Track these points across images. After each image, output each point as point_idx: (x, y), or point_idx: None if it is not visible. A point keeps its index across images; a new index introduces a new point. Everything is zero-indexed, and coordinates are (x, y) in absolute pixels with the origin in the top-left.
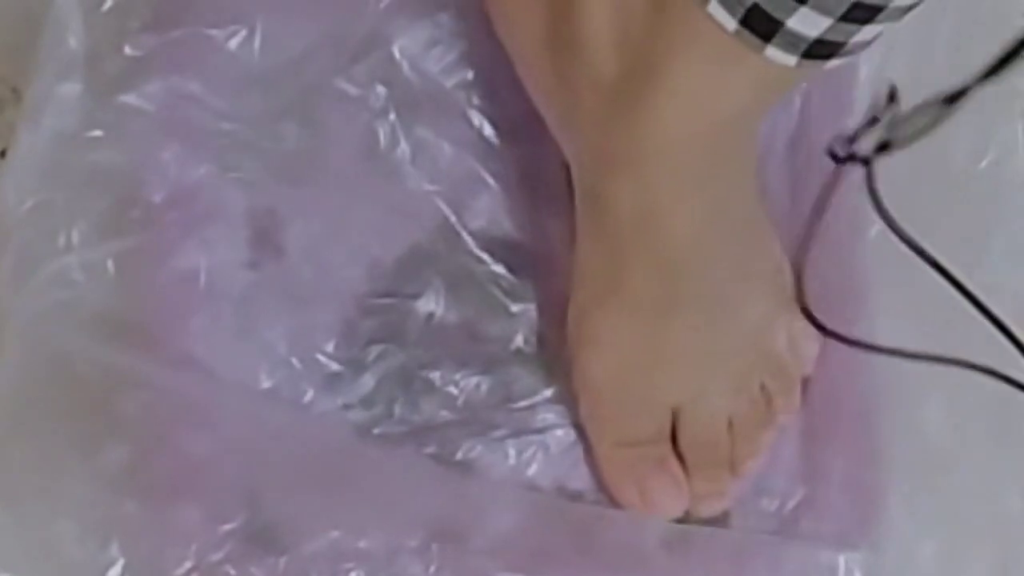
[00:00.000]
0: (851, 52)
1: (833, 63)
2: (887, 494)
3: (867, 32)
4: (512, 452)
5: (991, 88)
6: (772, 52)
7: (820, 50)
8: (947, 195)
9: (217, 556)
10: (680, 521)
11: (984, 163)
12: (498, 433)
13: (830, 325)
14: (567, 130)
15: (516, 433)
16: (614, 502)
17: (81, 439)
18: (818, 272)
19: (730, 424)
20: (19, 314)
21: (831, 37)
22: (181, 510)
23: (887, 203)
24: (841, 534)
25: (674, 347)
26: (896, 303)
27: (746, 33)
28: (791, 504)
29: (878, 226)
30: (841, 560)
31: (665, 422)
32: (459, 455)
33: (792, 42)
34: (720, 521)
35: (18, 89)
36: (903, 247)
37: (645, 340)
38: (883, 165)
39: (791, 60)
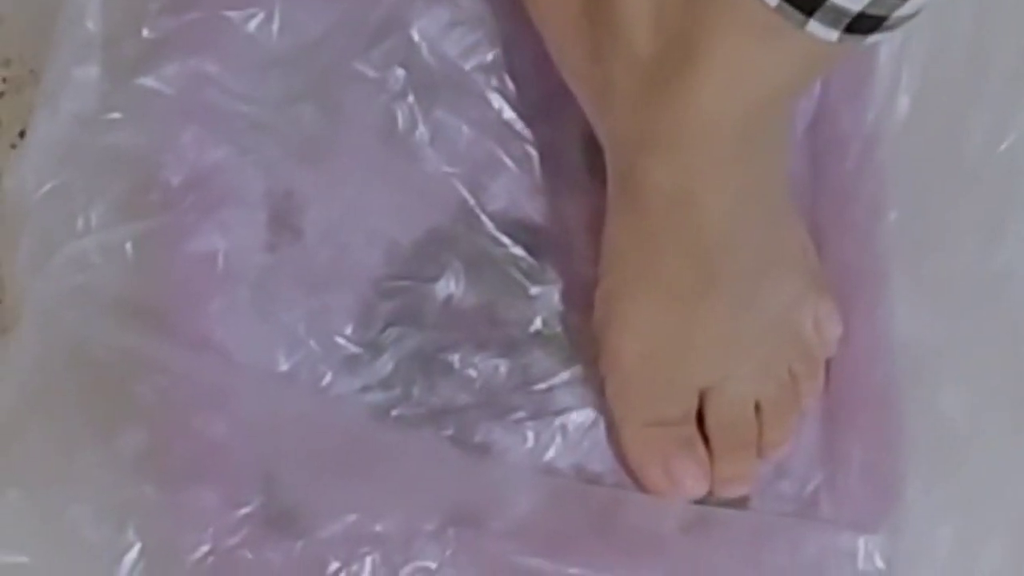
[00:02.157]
0: (893, 27)
1: (874, 38)
2: (906, 479)
3: (910, 5)
4: (530, 435)
5: (1009, 74)
6: (814, 27)
7: (863, 24)
8: (964, 179)
9: (234, 540)
10: (700, 503)
11: (1002, 147)
12: (516, 416)
13: (849, 310)
14: (601, 110)
15: (534, 416)
16: (637, 482)
17: (98, 422)
18: (838, 256)
19: (758, 408)
20: (37, 297)
21: (874, 11)
22: (198, 494)
23: (904, 187)
24: (860, 517)
25: (705, 329)
26: (915, 288)
27: (788, 8)
28: (810, 487)
29: (897, 210)
30: (860, 543)
31: (692, 403)
32: (477, 438)
33: (834, 17)
34: (739, 503)
35: (36, 71)
36: (922, 231)
37: (676, 322)
38: (901, 148)
39: (833, 35)
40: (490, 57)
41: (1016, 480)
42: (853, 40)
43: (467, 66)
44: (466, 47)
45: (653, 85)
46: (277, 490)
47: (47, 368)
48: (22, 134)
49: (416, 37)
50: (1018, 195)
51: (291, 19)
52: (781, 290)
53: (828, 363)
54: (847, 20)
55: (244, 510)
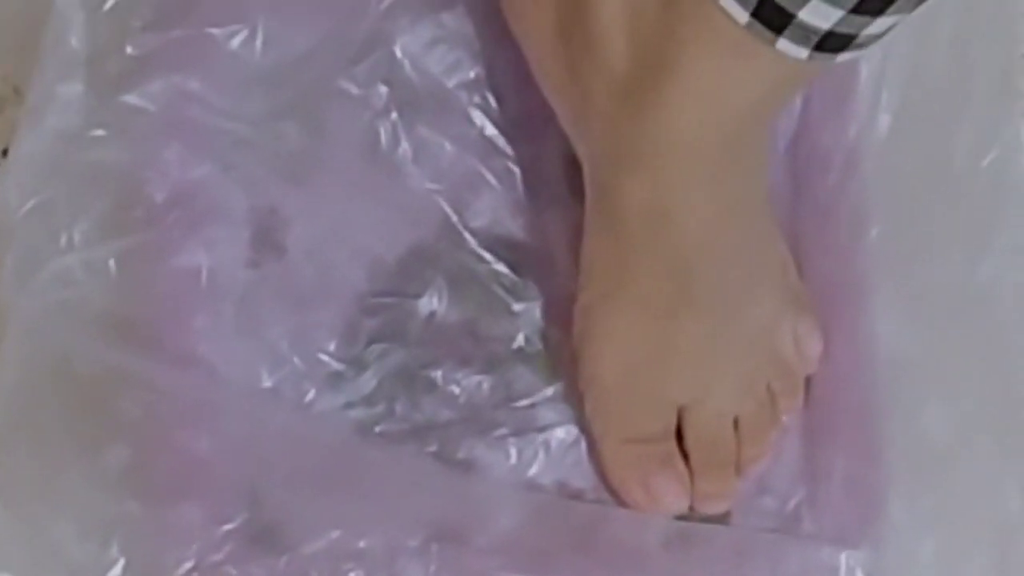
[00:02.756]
0: (862, 45)
1: (844, 56)
2: (888, 493)
3: (879, 24)
4: (513, 451)
5: (994, 88)
6: (784, 45)
7: (832, 43)
8: (946, 194)
9: (218, 556)
10: (682, 519)
11: (986, 161)
12: (499, 432)
13: (832, 325)
14: (579, 126)
15: (517, 432)
16: (617, 498)
17: (82, 439)
18: (819, 272)
19: (736, 424)
20: (21, 313)
21: (843, 29)
22: (182, 510)
23: (886, 203)
24: (842, 533)
25: (682, 345)
26: (897, 303)
27: (758, 26)
28: (792, 503)
29: (879, 226)
30: (842, 558)
31: (671, 419)
32: (460, 454)
33: (804, 35)
34: (722, 519)
35: (20, 88)
36: (904, 245)
37: (653, 337)
38: (883, 164)
39: (803, 53)
40: (472, 74)
41: (998, 494)
42: (823, 58)
43: (450, 83)
44: (449, 64)
45: (628, 101)
46: (261, 506)
47: (31, 384)
48: (5, 152)
49: (399, 54)
50: (1000, 210)
51: (274, 36)
52: (760, 307)
53: (810, 378)
54: (816, 38)
55: (228, 526)
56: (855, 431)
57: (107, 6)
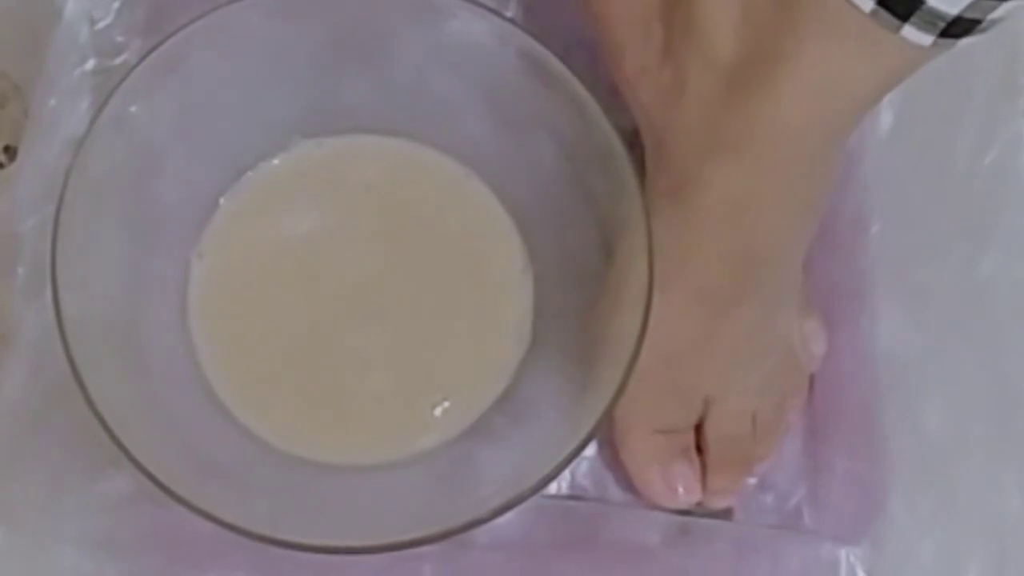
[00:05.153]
0: (984, 30)
1: (964, 42)
2: (888, 491)
3: (1004, 8)
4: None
5: (995, 86)
6: (908, 32)
7: (957, 28)
8: (946, 192)
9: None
10: (685, 513)
11: (987, 159)
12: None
13: (832, 324)
14: (660, 109)
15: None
16: (635, 486)
17: (86, 459)
18: (821, 270)
19: (753, 421)
20: (29, 328)
21: (970, 14)
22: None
23: (887, 200)
24: (842, 530)
25: (727, 339)
26: (897, 300)
27: (883, 13)
28: (794, 500)
29: (879, 224)
30: (842, 554)
31: (699, 412)
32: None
33: (930, 21)
34: (723, 515)
35: (20, 86)
36: (905, 244)
37: (701, 329)
38: (884, 162)
39: (927, 40)
40: None
41: (998, 492)
42: (946, 44)
43: None
44: None
45: (731, 88)
46: None
47: (36, 403)
48: (6, 149)
49: None
50: (1000, 208)
51: None
52: (787, 306)
53: (811, 377)
54: (943, 24)
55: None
56: (856, 428)
57: (114, 7)
